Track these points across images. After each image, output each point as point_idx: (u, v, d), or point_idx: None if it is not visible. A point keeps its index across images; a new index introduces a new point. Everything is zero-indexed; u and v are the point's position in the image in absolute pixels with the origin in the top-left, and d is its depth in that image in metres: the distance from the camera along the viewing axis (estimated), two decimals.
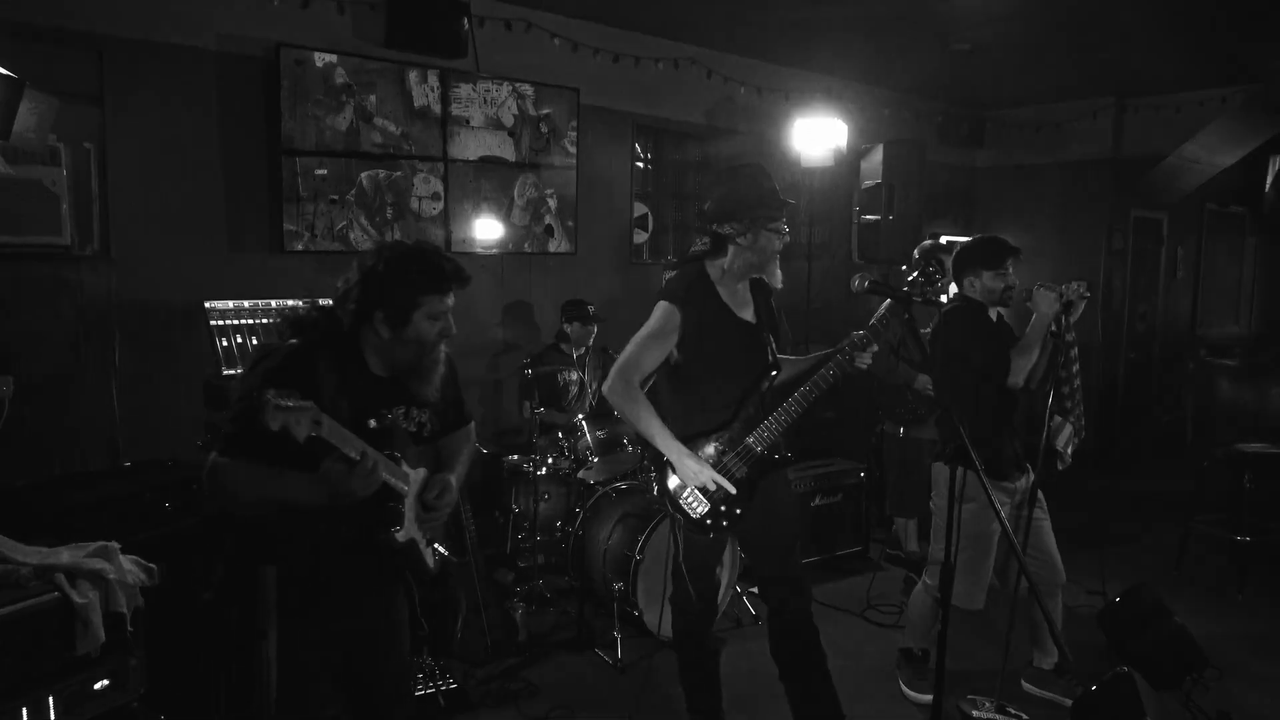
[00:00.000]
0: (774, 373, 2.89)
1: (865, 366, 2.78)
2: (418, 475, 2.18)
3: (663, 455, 2.76)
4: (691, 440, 2.79)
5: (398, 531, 2.10)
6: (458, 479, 2.32)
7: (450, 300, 2.09)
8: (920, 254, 4.93)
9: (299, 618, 2.02)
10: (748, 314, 2.92)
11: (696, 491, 2.77)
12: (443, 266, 2.06)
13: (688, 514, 2.80)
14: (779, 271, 2.89)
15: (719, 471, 2.75)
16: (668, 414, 2.88)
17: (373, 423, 2.06)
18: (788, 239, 2.86)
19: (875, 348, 2.79)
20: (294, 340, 2.03)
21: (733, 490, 2.74)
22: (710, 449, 2.79)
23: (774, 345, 2.94)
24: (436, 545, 2.28)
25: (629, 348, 2.81)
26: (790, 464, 2.90)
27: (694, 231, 6.56)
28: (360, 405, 2.00)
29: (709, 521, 2.79)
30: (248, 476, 1.88)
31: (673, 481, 2.80)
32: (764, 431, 2.79)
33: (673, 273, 3.12)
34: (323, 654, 2.11)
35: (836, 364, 2.77)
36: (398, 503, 2.10)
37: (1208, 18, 5.15)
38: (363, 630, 2.21)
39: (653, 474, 2.87)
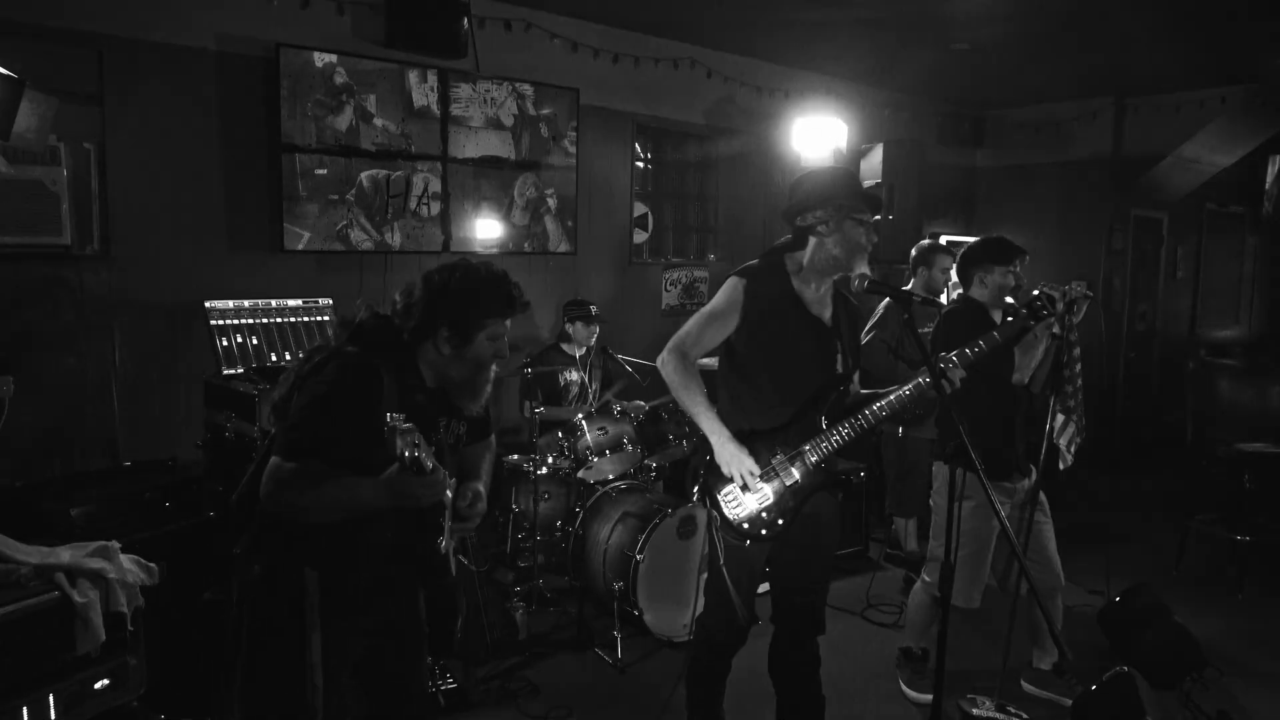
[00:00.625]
0: (843, 386, 2.72)
1: (950, 389, 2.58)
2: (453, 486, 2.22)
3: (708, 443, 2.61)
4: (742, 436, 2.62)
5: (441, 542, 2.15)
6: (486, 488, 2.37)
7: (509, 324, 2.15)
8: (918, 253, 4.94)
9: (332, 618, 2.03)
10: (823, 315, 2.74)
11: (738, 490, 2.60)
12: (511, 292, 2.13)
13: (723, 512, 2.63)
14: (866, 269, 2.69)
15: (768, 473, 2.60)
16: (719, 401, 2.74)
17: (433, 438, 2.10)
18: (875, 238, 2.71)
19: (963, 373, 2.65)
20: (351, 348, 2.04)
21: (761, 486, 2.58)
22: (760, 446, 2.62)
23: (846, 358, 2.76)
24: (459, 555, 2.36)
25: (690, 321, 2.70)
26: (843, 484, 2.80)
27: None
28: (419, 419, 2.01)
29: (746, 526, 2.62)
30: (318, 483, 1.88)
31: (707, 468, 2.64)
32: (823, 441, 2.62)
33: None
34: (342, 655, 2.12)
35: (917, 386, 2.62)
36: (440, 515, 2.13)
37: (1207, 18, 5.14)
38: (388, 628, 2.23)
39: (699, 475, 2.69)
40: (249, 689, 2.06)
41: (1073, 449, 3.47)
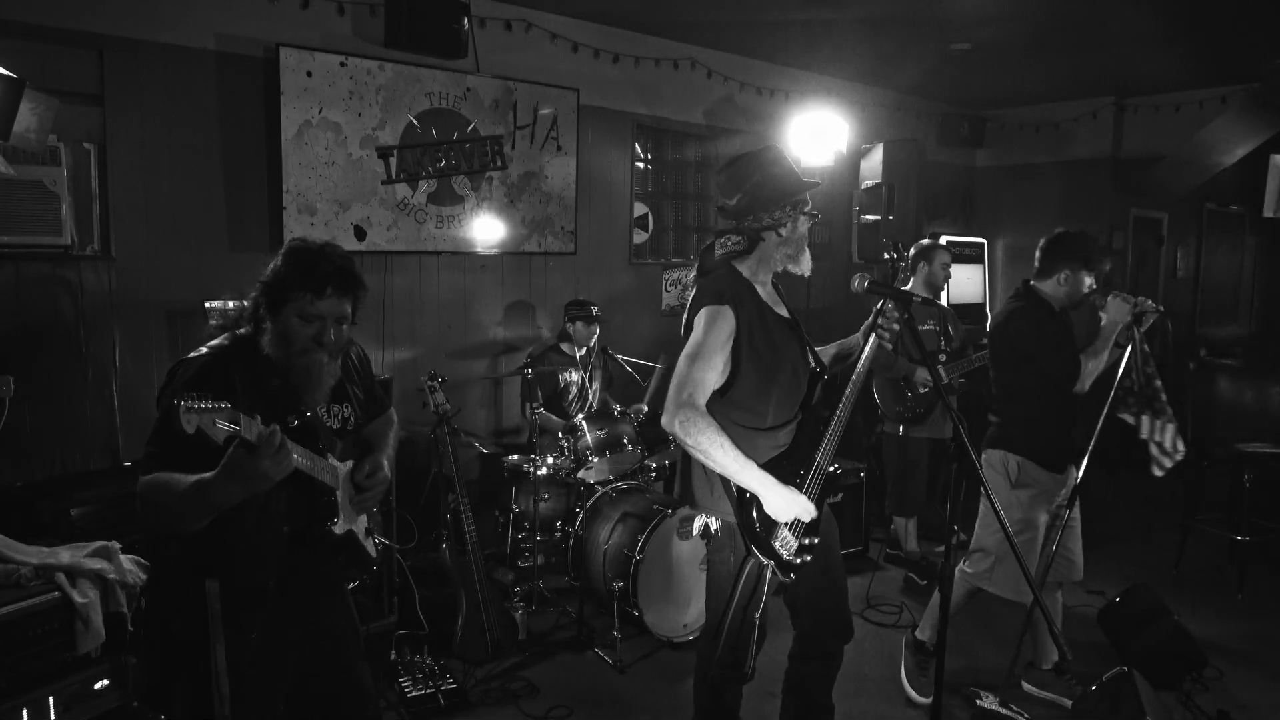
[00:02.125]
0: (824, 377, 2.60)
1: (891, 339, 2.51)
2: (345, 468, 2.18)
3: (744, 492, 2.40)
4: (769, 470, 2.41)
5: (335, 524, 2.11)
6: (388, 458, 2.34)
7: (331, 307, 2.01)
8: (918, 250, 4.95)
9: (246, 627, 2.00)
10: (784, 312, 2.65)
11: (785, 531, 2.41)
12: (315, 264, 1.99)
13: (780, 556, 2.42)
14: (809, 259, 2.60)
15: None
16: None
17: (294, 421, 2.03)
18: (817, 217, 2.61)
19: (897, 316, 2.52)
20: (197, 351, 2.01)
21: (812, 516, 2.43)
22: (784, 474, 2.44)
23: (814, 350, 2.66)
24: (376, 536, 2.32)
25: (682, 368, 2.40)
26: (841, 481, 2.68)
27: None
28: (273, 404, 1.97)
29: (798, 561, 2.44)
30: (171, 488, 1.82)
31: (758, 521, 2.41)
32: (829, 445, 2.50)
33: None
34: (273, 663, 2.09)
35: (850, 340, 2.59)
36: (330, 495, 2.10)
37: (1207, 18, 5.15)
38: (313, 633, 2.19)
39: (713, 521, 2.53)
40: (172, 705, 2.06)
41: (1179, 445, 3.43)
